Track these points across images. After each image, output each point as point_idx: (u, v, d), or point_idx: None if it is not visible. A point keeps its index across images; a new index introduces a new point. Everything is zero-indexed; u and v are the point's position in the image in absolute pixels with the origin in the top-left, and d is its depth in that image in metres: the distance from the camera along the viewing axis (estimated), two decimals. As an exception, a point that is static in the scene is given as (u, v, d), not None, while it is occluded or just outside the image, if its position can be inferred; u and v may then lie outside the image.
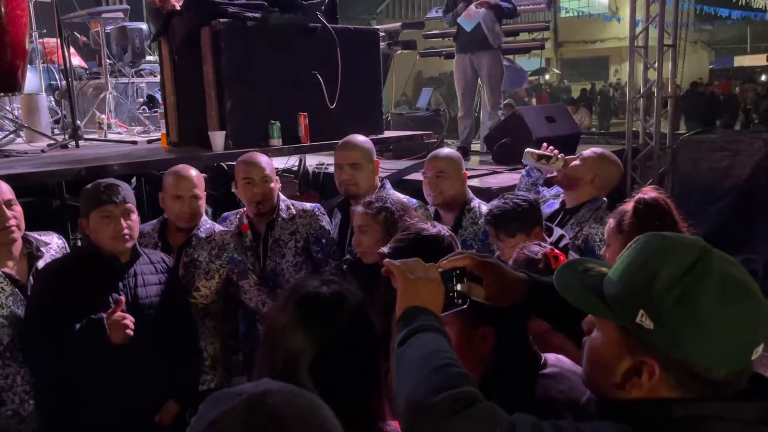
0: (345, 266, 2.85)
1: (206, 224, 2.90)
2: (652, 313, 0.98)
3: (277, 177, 3.06)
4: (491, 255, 1.82)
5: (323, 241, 3.04)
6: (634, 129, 6.58)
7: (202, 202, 2.83)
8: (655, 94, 6.51)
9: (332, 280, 1.46)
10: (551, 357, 1.53)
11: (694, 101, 11.42)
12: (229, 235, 2.92)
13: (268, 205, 2.96)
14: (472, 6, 5.71)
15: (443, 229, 1.94)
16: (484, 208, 2.99)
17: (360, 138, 3.10)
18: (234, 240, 2.91)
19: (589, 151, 3.00)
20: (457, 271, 1.30)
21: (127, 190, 2.45)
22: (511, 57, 7.69)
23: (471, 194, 3.07)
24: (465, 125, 6.14)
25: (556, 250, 2.08)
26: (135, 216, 2.44)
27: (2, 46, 4.03)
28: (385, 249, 1.89)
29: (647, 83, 6.63)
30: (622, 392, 1.03)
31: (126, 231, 2.39)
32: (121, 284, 2.42)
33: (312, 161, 5.56)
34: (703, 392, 0.98)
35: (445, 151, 3.27)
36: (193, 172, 2.83)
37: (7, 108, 5.33)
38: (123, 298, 2.32)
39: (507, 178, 4.75)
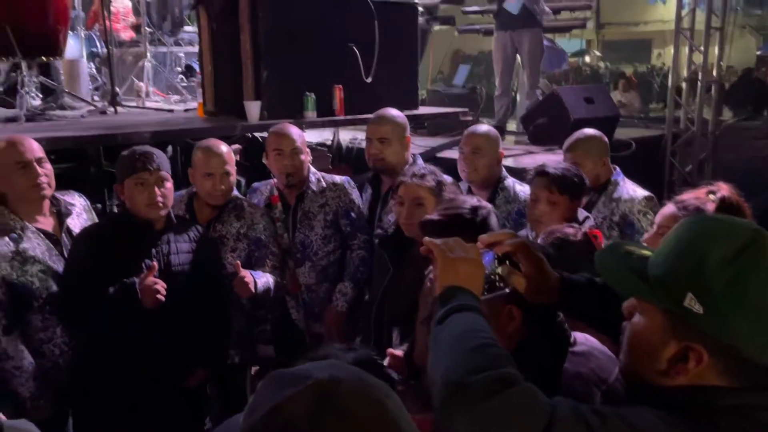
0: (376, 240, 2.84)
1: (236, 201, 2.86)
2: (701, 297, 0.94)
3: (308, 149, 3.04)
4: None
5: (352, 214, 3.03)
6: (675, 114, 6.41)
7: (233, 178, 2.80)
8: (700, 79, 6.33)
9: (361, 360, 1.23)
10: (579, 335, 1.52)
11: (741, 88, 11.06)
12: (260, 213, 2.88)
13: (297, 177, 2.95)
14: None
15: (487, 205, 1.95)
16: (519, 187, 2.95)
17: (392, 112, 3.07)
18: (264, 220, 2.88)
19: (575, 137, 3.00)
20: (500, 254, 1.27)
21: (162, 159, 2.46)
22: (550, 36, 7.55)
23: (505, 173, 3.03)
24: (501, 104, 6.06)
25: (595, 230, 2.05)
26: (169, 184, 2.46)
27: (44, 10, 4.09)
28: (433, 216, 1.90)
29: (691, 67, 6.45)
30: (666, 378, 0.99)
31: (159, 198, 2.41)
32: (154, 250, 2.45)
33: (345, 136, 5.56)
34: (752, 381, 0.95)
35: (483, 127, 3.23)
36: (224, 148, 2.77)
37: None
38: (155, 263, 2.36)
39: (542, 158, 4.66)
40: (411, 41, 4.49)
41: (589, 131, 3.05)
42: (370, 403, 0.76)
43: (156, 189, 2.40)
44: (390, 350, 1.75)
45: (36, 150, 2.43)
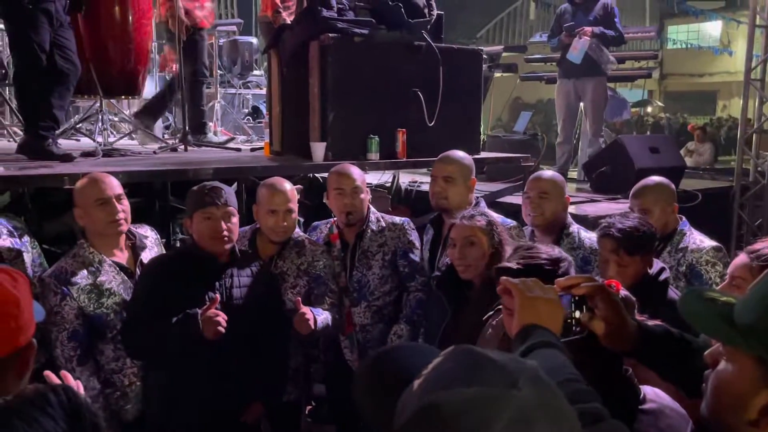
0: (434, 282, 2.83)
1: (297, 237, 2.91)
2: None
3: (367, 189, 3.07)
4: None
5: (411, 255, 3.03)
6: (744, 166, 6.23)
7: (296, 215, 2.85)
8: (770, 130, 6.16)
9: None
10: (649, 391, 1.46)
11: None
12: (320, 251, 2.91)
13: (357, 216, 2.98)
14: (576, 38, 5.63)
15: (565, 256, 1.91)
16: (584, 234, 2.91)
17: (459, 154, 3.08)
18: (324, 257, 2.91)
19: (643, 183, 2.97)
20: (576, 298, 1.26)
21: (229, 194, 2.52)
22: (611, 85, 7.51)
23: (570, 219, 3.00)
24: (563, 151, 6.02)
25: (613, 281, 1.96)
26: (235, 219, 2.51)
27: (127, 52, 4.33)
28: (511, 265, 1.88)
29: (761, 118, 6.28)
30: (757, 429, 0.95)
31: (225, 233, 2.46)
32: (217, 283, 2.49)
33: (405, 179, 5.60)
34: None
35: (549, 172, 3.22)
36: (288, 186, 2.83)
37: (125, 112, 5.69)
38: (218, 296, 2.39)
39: (604, 207, 4.60)
40: (475, 87, 4.53)
41: (657, 178, 3.00)
42: (556, 411, 0.74)
43: (222, 223, 2.45)
44: None
45: (115, 187, 2.54)
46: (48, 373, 1.43)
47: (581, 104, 6.04)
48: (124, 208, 2.53)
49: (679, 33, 25.01)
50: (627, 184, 5.15)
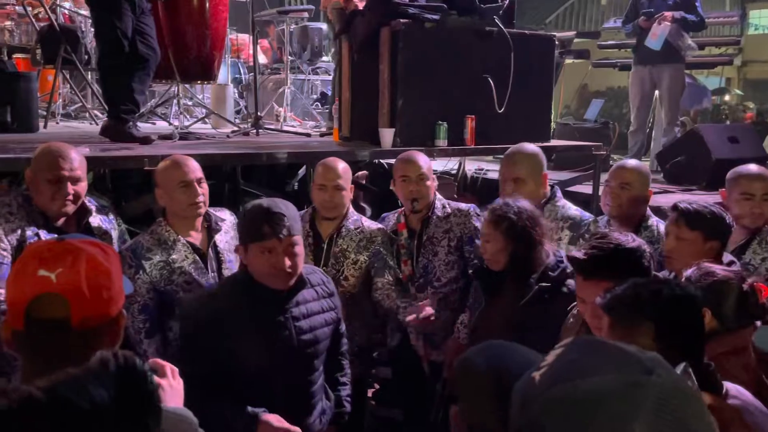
0: (471, 271, 2.82)
1: (354, 216, 2.96)
2: None
3: (434, 176, 3.08)
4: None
5: (477, 241, 3.02)
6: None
7: (346, 194, 2.89)
8: None
9: None
10: (731, 387, 1.43)
11: None
12: (376, 227, 2.97)
13: (423, 203, 2.99)
14: (655, 24, 5.44)
15: (643, 244, 1.87)
16: (663, 228, 2.83)
17: (527, 150, 3.02)
18: (382, 233, 2.95)
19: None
20: None
21: (293, 219, 2.12)
22: (688, 72, 7.23)
23: (650, 212, 2.91)
24: (636, 140, 5.86)
25: (762, 284, 1.90)
26: (300, 248, 2.14)
27: (204, 38, 4.44)
28: (578, 254, 1.86)
29: None
30: None
31: (289, 270, 2.10)
32: (282, 317, 2.16)
33: (471, 166, 5.57)
34: None
35: (634, 162, 3.13)
36: (341, 165, 2.89)
37: (199, 96, 5.86)
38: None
39: (678, 198, 4.42)
40: (546, 73, 4.45)
41: (754, 167, 2.90)
42: (688, 404, 0.74)
43: (286, 259, 2.07)
44: None
45: (197, 170, 2.62)
46: (156, 360, 1.45)
47: (656, 92, 5.85)
48: (203, 191, 2.61)
49: (761, 17, 23.73)
50: (703, 175, 5.02)
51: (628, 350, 0.77)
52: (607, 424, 0.69)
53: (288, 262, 2.07)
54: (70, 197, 2.48)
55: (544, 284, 2.35)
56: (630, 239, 1.89)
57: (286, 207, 2.12)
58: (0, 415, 0.78)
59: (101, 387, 0.84)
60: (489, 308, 2.50)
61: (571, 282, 2.39)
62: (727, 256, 2.43)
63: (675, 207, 2.41)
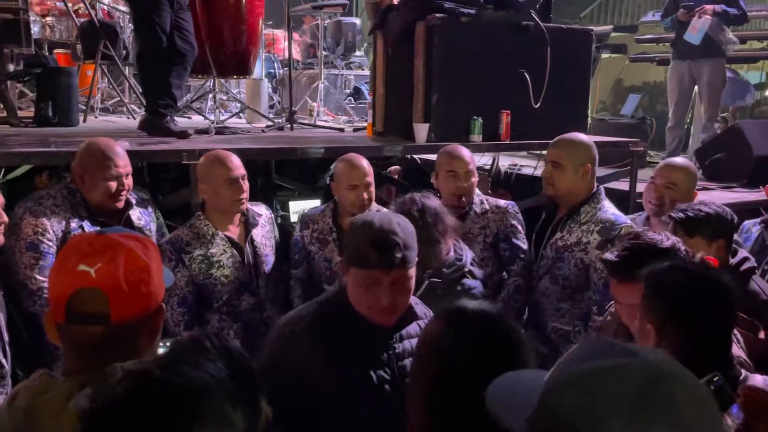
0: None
1: (374, 207, 2.93)
2: None
3: (476, 172, 3.05)
4: None
5: (514, 239, 2.99)
6: None
7: (373, 188, 2.89)
8: None
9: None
10: (758, 379, 1.41)
11: None
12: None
13: (468, 200, 2.97)
14: (695, 17, 5.32)
15: (678, 242, 1.82)
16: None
17: (573, 137, 2.92)
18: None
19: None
20: None
21: (409, 246, 1.69)
22: (728, 66, 7.06)
23: None
24: (674, 136, 5.75)
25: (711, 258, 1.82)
26: (412, 282, 1.74)
27: (239, 33, 4.48)
28: (611, 256, 1.82)
29: None
30: None
31: (393, 307, 1.72)
32: (385, 355, 1.76)
33: (505, 161, 5.53)
34: None
35: (682, 161, 3.03)
36: (365, 161, 2.88)
37: (233, 91, 5.91)
38: None
39: (718, 195, 4.37)
40: (583, 68, 4.39)
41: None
42: (697, 398, 0.77)
43: (392, 294, 1.68)
44: None
45: (241, 167, 2.66)
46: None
47: (695, 87, 5.73)
48: (246, 188, 2.65)
49: (805, 10, 23.09)
50: (743, 172, 4.91)
51: (629, 345, 0.84)
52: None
53: (393, 300, 1.69)
54: (125, 192, 2.55)
55: (435, 280, 2.31)
56: (664, 238, 1.83)
57: (402, 229, 1.70)
58: (124, 396, 0.81)
59: (210, 362, 0.86)
60: None
61: (466, 281, 2.39)
62: (741, 253, 2.37)
63: (670, 217, 2.34)
